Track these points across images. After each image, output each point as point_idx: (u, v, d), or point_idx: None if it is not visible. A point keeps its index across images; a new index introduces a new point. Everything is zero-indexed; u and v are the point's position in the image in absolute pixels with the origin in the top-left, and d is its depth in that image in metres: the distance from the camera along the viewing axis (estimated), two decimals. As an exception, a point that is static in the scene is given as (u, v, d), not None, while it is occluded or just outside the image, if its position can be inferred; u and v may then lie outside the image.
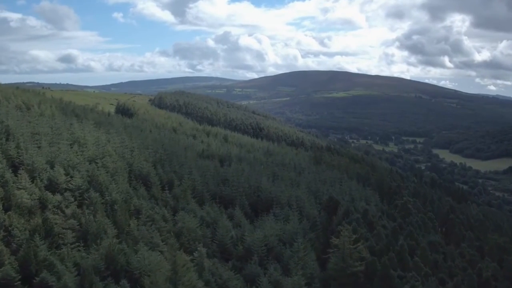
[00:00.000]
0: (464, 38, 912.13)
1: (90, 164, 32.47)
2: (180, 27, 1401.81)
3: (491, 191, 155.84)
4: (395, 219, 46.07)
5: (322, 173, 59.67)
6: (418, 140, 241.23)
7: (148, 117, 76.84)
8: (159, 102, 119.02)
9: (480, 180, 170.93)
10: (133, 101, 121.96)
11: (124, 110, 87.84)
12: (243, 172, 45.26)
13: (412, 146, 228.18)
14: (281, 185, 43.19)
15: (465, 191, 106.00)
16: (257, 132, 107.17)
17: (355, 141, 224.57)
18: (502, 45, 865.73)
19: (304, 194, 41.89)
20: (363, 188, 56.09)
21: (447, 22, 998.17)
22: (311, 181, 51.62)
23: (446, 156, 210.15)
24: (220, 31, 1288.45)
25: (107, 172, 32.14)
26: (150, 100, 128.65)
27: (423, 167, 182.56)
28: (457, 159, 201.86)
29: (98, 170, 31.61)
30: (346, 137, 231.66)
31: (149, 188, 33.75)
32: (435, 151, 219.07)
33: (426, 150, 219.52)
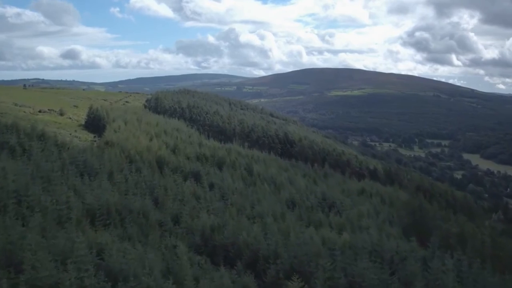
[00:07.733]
0: (472, 35, 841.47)
1: None
2: (188, 24, 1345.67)
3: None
4: None
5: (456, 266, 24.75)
6: (443, 143, 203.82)
7: (120, 137, 36.51)
8: (155, 104, 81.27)
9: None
10: (125, 102, 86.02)
11: (95, 120, 51.69)
12: None
13: (438, 150, 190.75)
14: None
15: None
16: (286, 147, 70.58)
17: (377, 144, 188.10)
18: (510, 42, 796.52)
19: None
20: None
21: (454, 18, 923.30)
22: None
23: (478, 162, 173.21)
24: (226, 28, 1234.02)
25: None
26: (147, 101, 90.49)
27: (459, 176, 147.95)
28: (492, 166, 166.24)
29: None
30: (367, 140, 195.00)
31: None
32: (465, 156, 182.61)
33: (455, 155, 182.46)
